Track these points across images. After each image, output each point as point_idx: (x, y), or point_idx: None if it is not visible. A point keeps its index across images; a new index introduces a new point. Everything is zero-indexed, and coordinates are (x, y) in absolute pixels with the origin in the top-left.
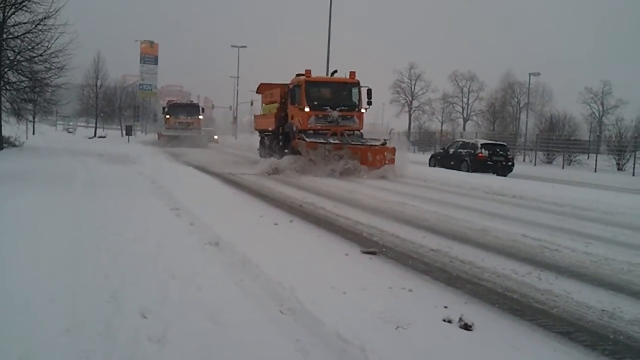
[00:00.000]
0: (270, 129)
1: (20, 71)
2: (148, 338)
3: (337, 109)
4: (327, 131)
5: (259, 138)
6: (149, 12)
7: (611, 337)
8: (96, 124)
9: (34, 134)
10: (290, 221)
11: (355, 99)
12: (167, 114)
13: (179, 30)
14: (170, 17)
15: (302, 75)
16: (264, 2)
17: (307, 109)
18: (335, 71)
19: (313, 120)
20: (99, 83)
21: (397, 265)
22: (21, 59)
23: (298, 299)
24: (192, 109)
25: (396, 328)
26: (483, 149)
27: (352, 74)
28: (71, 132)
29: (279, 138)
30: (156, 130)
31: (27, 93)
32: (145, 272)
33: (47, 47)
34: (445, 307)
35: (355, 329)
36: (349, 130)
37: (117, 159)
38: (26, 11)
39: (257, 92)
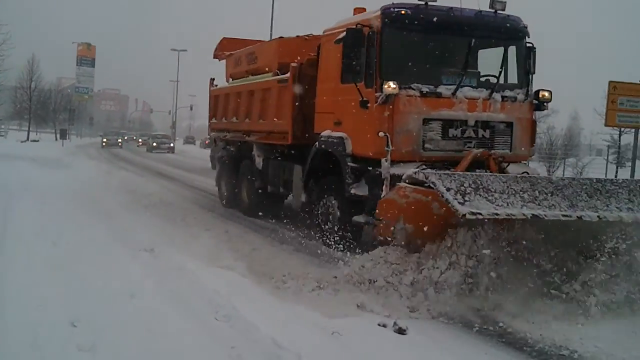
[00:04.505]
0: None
1: None
2: (78, 347)
3: None
4: None
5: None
6: (87, 14)
7: None
8: (29, 127)
9: None
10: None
11: None
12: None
13: (118, 33)
14: (109, 19)
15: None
16: (206, 6)
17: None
18: None
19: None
20: (33, 85)
21: None
22: None
23: (234, 305)
24: None
25: (332, 333)
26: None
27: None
28: (2, 136)
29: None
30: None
31: None
32: (75, 280)
33: None
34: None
35: (291, 335)
36: None
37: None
38: None
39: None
